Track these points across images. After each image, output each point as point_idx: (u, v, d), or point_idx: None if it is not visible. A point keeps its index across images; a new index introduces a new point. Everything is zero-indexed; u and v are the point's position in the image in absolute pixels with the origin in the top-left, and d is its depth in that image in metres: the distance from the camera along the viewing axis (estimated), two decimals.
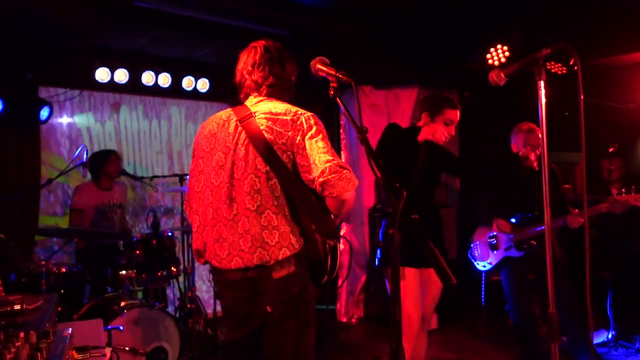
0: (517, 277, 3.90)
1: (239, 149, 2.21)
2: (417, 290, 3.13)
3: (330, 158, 2.09)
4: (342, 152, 6.10)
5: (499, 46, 4.85)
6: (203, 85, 5.78)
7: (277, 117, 2.20)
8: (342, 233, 5.99)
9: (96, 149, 5.56)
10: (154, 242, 4.34)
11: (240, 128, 2.24)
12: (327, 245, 2.22)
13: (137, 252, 4.25)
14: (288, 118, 2.18)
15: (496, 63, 4.89)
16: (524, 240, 3.86)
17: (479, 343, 5.04)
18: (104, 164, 4.83)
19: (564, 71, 4.76)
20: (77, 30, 4.25)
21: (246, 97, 2.38)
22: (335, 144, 6.38)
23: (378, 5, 4.71)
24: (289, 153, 2.15)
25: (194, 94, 5.79)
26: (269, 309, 2.15)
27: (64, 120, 5.48)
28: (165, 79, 5.50)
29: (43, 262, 3.77)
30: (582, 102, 2.03)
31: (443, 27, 5.08)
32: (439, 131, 3.14)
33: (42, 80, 5.12)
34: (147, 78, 5.42)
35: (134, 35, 4.97)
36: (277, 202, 2.15)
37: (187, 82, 5.67)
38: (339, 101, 1.98)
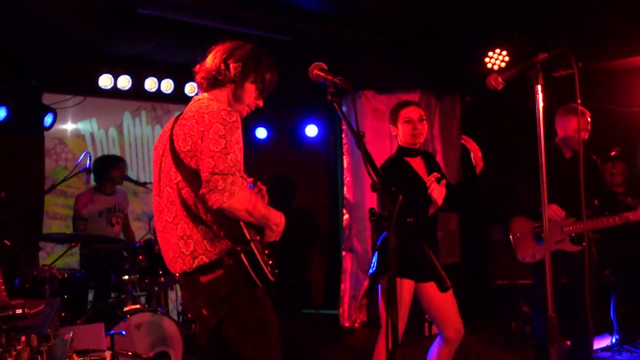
0: (554, 278, 3.69)
1: (164, 160, 2.24)
2: (406, 304, 3.12)
3: (212, 165, 2.00)
4: (344, 157, 6.10)
5: (497, 51, 4.85)
6: None
7: (186, 121, 2.15)
8: (345, 237, 5.98)
9: (100, 155, 5.59)
10: (156, 247, 4.35)
11: (167, 138, 2.23)
12: (238, 250, 2.12)
13: (140, 257, 4.26)
14: (194, 120, 2.12)
15: (495, 67, 4.89)
16: (580, 233, 3.57)
17: (483, 347, 5.02)
18: (109, 169, 4.86)
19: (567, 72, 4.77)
20: (84, 38, 4.29)
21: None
22: (337, 148, 6.39)
23: (380, 11, 4.73)
24: (195, 159, 2.10)
25: None
26: (204, 312, 2.19)
27: (68, 126, 5.52)
28: (168, 85, 5.54)
29: (47, 267, 3.79)
30: (579, 106, 2.03)
31: (445, 32, 5.09)
32: (403, 132, 3.22)
33: (47, 87, 5.16)
34: (150, 84, 5.46)
35: (137, 42, 5.01)
36: (190, 211, 2.15)
37: (190, 88, 5.70)
38: (336, 106, 1.98)
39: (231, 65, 2.29)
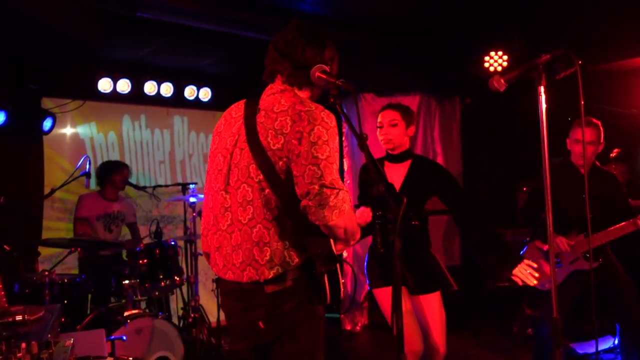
0: (571, 290, 3.54)
1: (236, 152, 2.01)
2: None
3: (319, 174, 1.83)
4: (344, 160, 6.10)
5: (492, 53, 4.84)
6: (205, 94, 5.81)
7: (277, 115, 1.93)
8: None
9: (99, 159, 5.58)
10: (157, 251, 4.34)
11: (241, 127, 2.02)
12: (323, 269, 1.97)
13: (141, 261, 4.25)
14: (289, 116, 1.90)
15: (499, 69, 4.89)
16: (594, 249, 3.50)
17: (484, 350, 5.01)
18: (111, 173, 4.87)
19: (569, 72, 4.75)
20: (84, 42, 4.28)
21: (265, 84, 2.13)
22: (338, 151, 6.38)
23: (380, 14, 4.73)
24: (285, 159, 1.90)
25: (197, 104, 5.81)
26: (261, 324, 1.97)
27: (67, 130, 5.51)
28: (167, 89, 5.53)
29: (46, 273, 3.77)
30: (583, 107, 2.02)
31: (445, 35, 5.09)
32: (379, 137, 3.14)
33: (46, 91, 5.15)
34: (150, 88, 5.45)
35: (136, 46, 5.00)
36: (270, 215, 1.92)
37: (190, 92, 5.70)
38: (338, 108, 1.96)
39: (329, 69, 2.06)
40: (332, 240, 1.96)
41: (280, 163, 1.90)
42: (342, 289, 2.03)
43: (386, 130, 3.09)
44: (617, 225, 3.45)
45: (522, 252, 3.78)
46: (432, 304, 3.06)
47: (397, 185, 3.05)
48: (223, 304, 2.19)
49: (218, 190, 2.05)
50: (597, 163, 3.69)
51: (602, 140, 3.58)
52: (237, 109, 2.12)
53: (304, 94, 2.09)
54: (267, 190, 1.93)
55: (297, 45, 2.04)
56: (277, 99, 2.00)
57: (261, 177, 1.93)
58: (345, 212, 1.88)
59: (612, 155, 4.77)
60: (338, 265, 2.01)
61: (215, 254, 2.07)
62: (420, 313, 3.08)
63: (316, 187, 1.82)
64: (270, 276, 1.92)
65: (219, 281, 2.19)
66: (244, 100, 2.13)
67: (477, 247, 2.97)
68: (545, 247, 3.58)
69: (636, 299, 3.54)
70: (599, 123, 3.59)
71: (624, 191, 3.83)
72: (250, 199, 1.95)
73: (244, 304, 2.02)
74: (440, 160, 6.03)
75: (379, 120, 3.15)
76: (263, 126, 1.95)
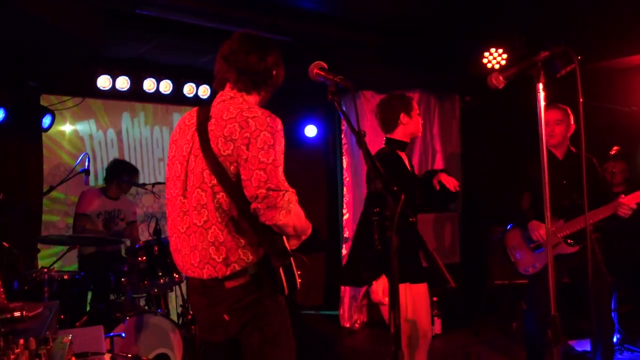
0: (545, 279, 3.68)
1: (191, 159, 2.12)
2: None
3: (265, 178, 1.95)
4: (343, 157, 6.10)
5: (495, 50, 4.84)
6: (204, 91, 5.80)
7: (226, 123, 2.04)
8: (345, 237, 5.98)
9: (98, 156, 5.59)
10: (156, 248, 4.33)
11: (195, 135, 2.12)
12: (278, 264, 2.08)
13: (139, 258, 4.24)
14: (237, 123, 2.02)
15: (496, 66, 4.88)
16: (574, 233, 3.55)
17: (484, 348, 5.01)
18: (122, 174, 4.87)
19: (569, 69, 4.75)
20: (83, 40, 4.27)
21: (216, 92, 2.24)
22: (337, 148, 6.39)
23: (379, 11, 4.73)
24: (235, 164, 2.02)
25: (196, 101, 5.80)
26: (226, 317, 2.10)
27: (66, 128, 5.50)
28: (166, 86, 5.53)
29: (45, 270, 3.78)
30: (582, 105, 2.02)
31: (444, 32, 5.09)
32: (416, 124, 3.24)
33: (45, 88, 5.14)
34: (149, 85, 5.45)
35: (135, 43, 5.00)
36: (224, 217, 2.04)
37: (189, 89, 5.69)
38: (337, 106, 1.97)
39: (274, 72, 2.21)
40: (284, 237, 2.10)
41: (232, 168, 2.02)
42: (298, 281, 2.13)
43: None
44: (596, 209, 3.49)
45: (501, 237, 3.89)
46: (420, 293, 3.13)
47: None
48: (190, 300, 2.34)
49: (177, 196, 2.17)
50: (572, 148, 3.72)
51: (571, 122, 3.68)
52: (190, 117, 2.22)
53: (252, 99, 2.20)
54: (220, 194, 2.04)
55: (241, 52, 2.15)
56: (227, 106, 2.11)
57: (214, 181, 2.04)
58: (292, 212, 2.00)
59: (612, 152, 4.75)
60: (292, 259, 2.11)
61: (175, 254, 2.22)
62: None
63: (263, 190, 1.95)
64: (228, 273, 2.05)
65: (186, 278, 2.31)
66: (197, 108, 2.24)
67: None
68: (525, 233, 3.69)
69: (606, 293, 3.60)
70: (567, 107, 3.67)
71: (602, 175, 3.88)
72: (204, 202, 2.06)
73: (207, 299, 2.15)
74: (439, 158, 6.03)
75: (417, 108, 3.28)
76: (214, 134, 2.05)
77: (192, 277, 2.15)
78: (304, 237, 2.19)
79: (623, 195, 3.48)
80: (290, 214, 1.99)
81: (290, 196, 2.00)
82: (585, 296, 3.62)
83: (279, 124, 2.06)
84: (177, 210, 2.16)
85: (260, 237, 2.06)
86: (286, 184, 2.02)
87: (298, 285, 2.14)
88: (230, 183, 2.02)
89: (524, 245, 3.76)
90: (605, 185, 3.78)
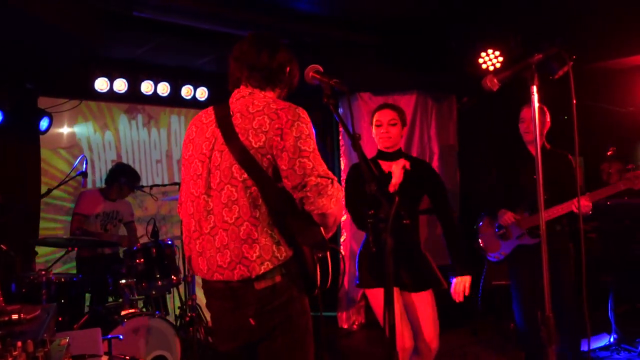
0: (524, 275, 3.75)
1: (215, 155, 2.05)
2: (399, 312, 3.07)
3: (312, 166, 1.91)
4: (341, 158, 6.11)
5: (490, 51, 4.86)
6: (202, 93, 5.81)
7: (253, 115, 2.00)
8: (342, 240, 5.99)
9: (96, 158, 5.59)
10: (154, 250, 4.35)
11: (216, 131, 2.07)
12: (315, 256, 2.04)
13: (137, 261, 4.26)
14: (266, 115, 1.97)
15: (491, 68, 4.90)
16: (537, 226, 3.70)
17: (481, 348, 5.02)
18: (125, 179, 4.87)
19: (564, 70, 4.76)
20: (80, 41, 4.28)
21: (231, 92, 2.20)
22: (334, 150, 6.39)
23: (376, 12, 4.74)
24: (268, 156, 1.96)
25: (193, 103, 5.81)
26: (252, 321, 2.01)
27: (64, 130, 5.51)
28: (164, 88, 5.53)
29: (43, 272, 3.78)
30: (575, 107, 2.03)
31: (441, 33, 5.10)
32: (375, 135, 3.24)
33: (42, 91, 5.15)
34: (146, 87, 5.45)
35: (132, 45, 5.00)
36: (257, 212, 1.96)
37: (186, 91, 5.70)
38: (332, 108, 1.98)
39: (288, 69, 2.20)
40: (322, 228, 2.04)
41: (264, 160, 1.96)
42: (330, 276, 2.10)
43: (386, 128, 3.18)
44: (557, 206, 3.57)
45: (480, 225, 4.08)
46: (424, 302, 3.11)
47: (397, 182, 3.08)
48: (210, 306, 2.21)
49: (199, 195, 2.08)
50: (547, 145, 3.79)
51: (547, 120, 3.76)
52: (207, 115, 2.17)
53: (269, 95, 2.16)
54: (252, 188, 1.97)
55: (251, 51, 2.14)
56: (249, 100, 2.06)
57: (245, 175, 1.97)
58: (340, 201, 1.96)
59: (609, 153, 4.78)
60: (328, 253, 2.09)
61: (198, 258, 2.10)
62: (412, 310, 3.12)
63: (313, 178, 1.89)
64: (262, 271, 1.95)
65: (202, 281, 2.20)
66: (212, 106, 2.19)
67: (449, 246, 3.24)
68: (495, 222, 3.91)
69: (569, 288, 3.63)
70: (543, 106, 3.73)
71: (574, 173, 3.90)
72: (235, 198, 1.98)
73: (233, 303, 2.04)
74: (436, 159, 6.04)
75: (376, 119, 3.23)
76: (242, 127, 1.99)
77: (217, 280, 2.04)
78: (334, 230, 2.13)
79: (589, 194, 3.54)
80: (339, 203, 1.96)
81: (338, 185, 1.96)
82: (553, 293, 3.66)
83: (307, 115, 2.02)
84: (200, 210, 2.07)
85: (299, 230, 1.99)
86: (331, 172, 1.97)
87: (329, 282, 2.12)
88: (263, 176, 1.96)
89: (493, 233, 3.97)
90: (572, 179, 3.78)
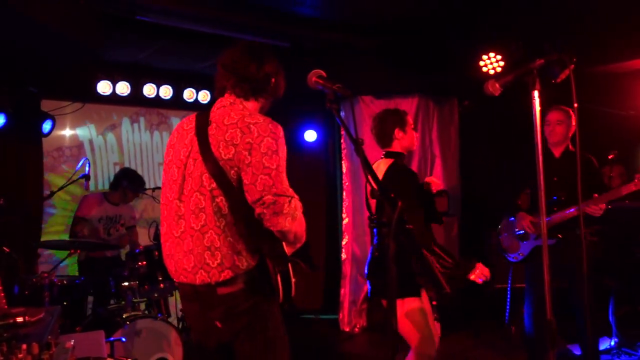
0: (541, 275, 3.76)
1: (189, 163, 2.11)
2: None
3: (271, 184, 1.95)
4: (343, 162, 6.11)
5: (492, 55, 4.86)
6: (204, 96, 5.83)
7: (227, 127, 2.04)
8: (344, 243, 5.99)
9: (98, 161, 5.61)
10: (156, 253, 4.35)
11: (194, 139, 2.13)
12: (277, 269, 2.08)
13: (140, 263, 4.26)
14: (239, 129, 2.01)
15: (491, 71, 4.90)
16: (554, 227, 3.67)
17: (484, 351, 5.02)
18: (129, 184, 4.90)
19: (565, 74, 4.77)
20: (83, 45, 4.30)
21: (216, 100, 2.24)
22: (336, 153, 6.40)
23: (378, 16, 4.75)
24: (236, 169, 2.01)
25: (196, 106, 5.83)
26: (218, 324, 2.09)
27: (67, 132, 5.52)
28: (166, 91, 5.55)
29: (46, 275, 3.79)
30: (577, 110, 2.04)
31: (442, 37, 5.11)
32: (411, 138, 3.28)
33: (45, 94, 5.17)
34: (149, 90, 5.47)
35: (135, 48, 5.02)
36: (222, 221, 2.03)
37: (189, 94, 5.72)
38: (335, 113, 1.99)
39: (273, 80, 2.23)
40: (283, 243, 2.08)
41: (232, 172, 2.02)
42: (293, 288, 2.13)
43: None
44: (572, 207, 3.63)
45: (500, 226, 4.15)
46: (408, 308, 3.09)
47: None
48: (183, 306, 2.32)
49: (172, 200, 2.16)
50: (572, 148, 3.83)
51: (573, 123, 3.79)
52: (189, 122, 2.22)
53: (251, 105, 2.21)
54: (219, 198, 2.04)
55: (241, 61, 2.17)
56: (227, 111, 2.11)
57: (214, 185, 2.04)
58: (297, 219, 2.01)
59: (610, 157, 4.77)
60: (290, 265, 2.12)
61: (167, 260, 2.21)
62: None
63: (270, 196, 1.95)
64: (221, 279, 2.03)
65: (177, 284, 2.28)
66: (195, 114, 2.24)
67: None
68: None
69: (584, 290, 3.65)
70: (570, 110, 3.77)
71: (599, 177, 4.02)
72: (202, 206, 2.05)
73: (200, 305, 2.14)
74: (438, 162, 6.04)
75: (412, 122, 3.33)
76: (215, 138, 2.05)
77: (184, 282, 2.13)
78: (298, 245, 2.17)
79: (596, 195, 3.56)
80: (295, 221, 1.99)
81: (296, 203, 2.01)
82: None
83: (280, 131, 2.06)
84: (172, 214, 2.15)
85: (259, 242, 2.05)
86: (291, 190, 2.02)
87: (293, 293, 2.14)
88: (230, 187, 2.02)
89: (513, 235, 4.00)
90: (599, 187, 3.80)
